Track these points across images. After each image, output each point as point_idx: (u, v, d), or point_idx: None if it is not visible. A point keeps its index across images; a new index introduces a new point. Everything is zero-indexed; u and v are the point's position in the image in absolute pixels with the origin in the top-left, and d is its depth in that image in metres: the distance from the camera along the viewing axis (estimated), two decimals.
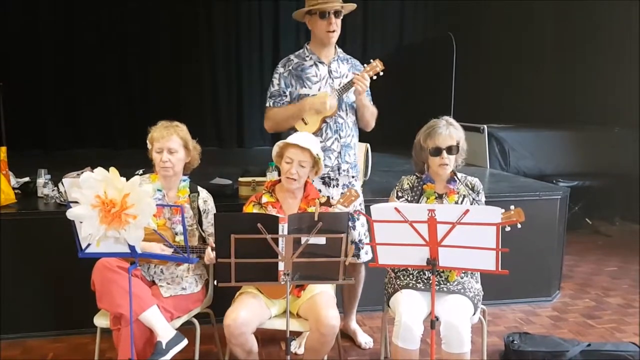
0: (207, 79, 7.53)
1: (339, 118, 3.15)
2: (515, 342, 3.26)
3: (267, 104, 3.21)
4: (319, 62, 3.17)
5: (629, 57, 6.05)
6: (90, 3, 7.03)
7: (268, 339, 3.37)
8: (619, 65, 6.19)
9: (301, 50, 3.23)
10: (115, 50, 7.19)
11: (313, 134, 3.09)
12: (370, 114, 3.21)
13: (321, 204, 2.79)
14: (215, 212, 2.93)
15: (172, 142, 2.78)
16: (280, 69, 3.20)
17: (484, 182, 4.69)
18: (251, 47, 7.56)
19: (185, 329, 2.73)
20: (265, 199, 2.82)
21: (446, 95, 6.90)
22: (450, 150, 2.70)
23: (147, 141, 2.85)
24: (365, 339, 3.46)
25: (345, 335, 3.50)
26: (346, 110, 3.18)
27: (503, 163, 5.77)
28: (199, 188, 2.95)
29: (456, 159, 2.76)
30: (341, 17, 3.12)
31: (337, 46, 3.23)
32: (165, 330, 2.61)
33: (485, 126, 5.82)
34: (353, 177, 3.26)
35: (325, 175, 3.17)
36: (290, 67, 3.17)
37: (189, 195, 2.88)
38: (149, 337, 2.63)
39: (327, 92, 3.09)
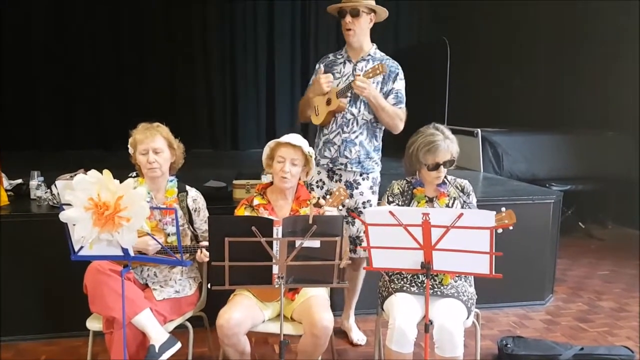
0: (202, 81, 7.53)
1: (347, 114, 3.21)
2: (508, 345, 3.27)
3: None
4: (348, 60, 3.28)
5: (622, 61, 6.08)
6: (84, 4, 7.03)
7: (262, 340, 3.37)
8: (613, 69, 6.22)
9: (340, 50, 3.37)
10: (109, 51, 7.20)
11: (321, 124, 3.27)
12: (388, 115, 3.18)
13: (313, 205, 2.79)
14: (206, 210, 2.93)
15: (156, 142, 2.77)
16: (317, 65, 3.38)
17: (478, 185, 4.70)
18: (246, 50, 7.57)
19: (178, 332, 2.71)
20: (256, 201, 2.81)
21: (440, 99, 6.92)
22: (446, 164, 2.72)
23: (129, 146, 2.83)
24: (358, 337, 3.49)
25: (341, 333, 3.52)
26: (359, 108, 3.21)
27: (497, 167, 5.79)
28: (187, 187, 2.94)
29: None
30: (363, 17, 3.17)
31: (375, 45, 3.30)
32: (158, 334, 2.59)
33: (479, 130, 5.84)
34: (361, 175, 3.27)
35: (328, 168, 3.26)
36: (324, 63, 3.34)
37: (178, 195, 2.87)
38: (141, 341, 2.61)
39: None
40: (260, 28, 7.57)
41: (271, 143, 2.79)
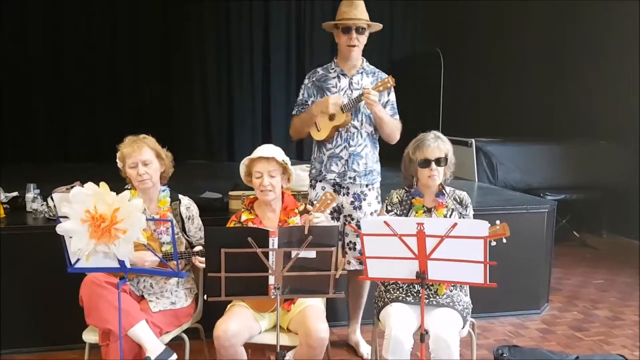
0: (198, 92, 7.55)
1: (351, 127, 3.22)
2: (504, 355, 3.27)
3: (293, 112, 3.38)
4: (342, 74, 3.27)
5: (616, 70, 6.13)
6: (80, 16, 7.06)
7: (258, 352, 3.36)
8: (606, 79, 6.26)
9: (329, 64, 3.35)
10: (105, 63, 7.21)
11: (324, 140, 3.23)
12: (389, 127, 3.23)
13: (300, 213, 2.82)
14: (199, 218, 2.95)
15: (144, 154, 2.78)
16: (305, 80, 3.36)
17: (472, 195, 4.72)
18: (242, 60, 7.60)
19: (174, 344, 2.72)
20: (244, 216, 2.83)
21: (434, 109, 6.95)
22: (438, 162, 2.74)
23: (118, 160, 2.83)
24: (367, 350, 3.46)
25: (341, 345, 3.50)
26: (362, 120, 3.24)
27: (491, 176, 5.81)
28: (180, 195, 2.96)
29: (444, 171, 2.79)
30: (365, 34, 3.21)
31: (364, 59, 3.31)
32: (154, 346, 2.59)
33: (473, 140, 5.87)
34: (367, 186, 3.28)
35: (334, 182, 3.25)
36: (314, 79, 3.32)
37: (171, 204, 2.89)
38: (137, 353, 2.62)
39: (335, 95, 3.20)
40: (256, 38, 7.61)
41: (245, 161, 2.82)
